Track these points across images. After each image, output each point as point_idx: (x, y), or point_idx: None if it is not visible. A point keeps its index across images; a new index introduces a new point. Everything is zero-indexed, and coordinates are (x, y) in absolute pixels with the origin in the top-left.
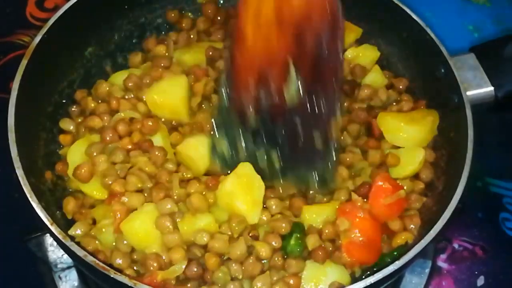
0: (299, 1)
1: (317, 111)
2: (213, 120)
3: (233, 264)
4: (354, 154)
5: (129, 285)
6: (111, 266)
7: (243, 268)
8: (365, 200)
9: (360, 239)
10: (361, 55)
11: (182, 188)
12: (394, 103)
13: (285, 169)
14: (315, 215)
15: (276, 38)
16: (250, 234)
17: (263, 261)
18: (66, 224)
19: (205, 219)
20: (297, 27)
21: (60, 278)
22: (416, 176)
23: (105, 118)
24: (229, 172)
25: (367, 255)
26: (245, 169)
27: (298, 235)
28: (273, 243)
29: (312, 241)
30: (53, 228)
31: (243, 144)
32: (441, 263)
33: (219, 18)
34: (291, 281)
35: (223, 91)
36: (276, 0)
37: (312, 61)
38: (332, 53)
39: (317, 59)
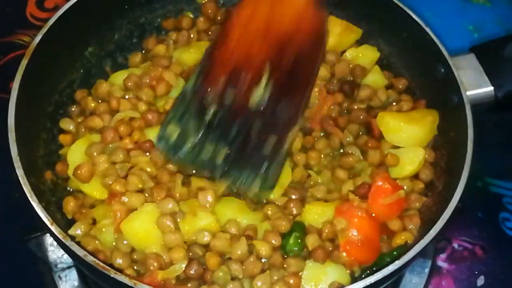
0: (290, 21)
1: (277, 119)
2: (172, 106)
3: (234, 264)
4: (353, 155)
5: (129, 285)
6: (111, 266)
7: (243, 267)
8: (364, 200)
9: (358, 238)
10: (361, 56)
11: (184, 187)
12: (394, 103)
13: (230, 166)
14: (315, 215)
15: (258, 46)
16: (245, 234)
17: (263, 261)
18: (66, 224)
19: (206, 219)
20: (281, 42)
21: (60, 278)
22: (416, 176)
23: (105, 118)
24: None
25: (365, 254)
26: None
27: (298, 234)
28: (273, 241)
29: (311, 241)
30: (53, 228)
31: (195, 135)
32: (441, 262)
33: (219, 17)
34: (291, 281)
35: (195, 78)
36: (269, 13)
37: (285, 75)
38: (307, 73)
39: (290, 75)
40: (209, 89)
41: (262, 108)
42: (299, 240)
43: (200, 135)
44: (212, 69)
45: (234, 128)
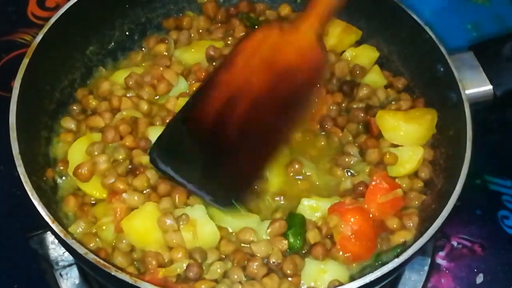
0: (294, 58)
1: (257, 146)
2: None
3: (235, 264)
4: (351, 155)
5: (130, 282)
6: (112, 263)
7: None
8: (362, 198)
9: (352, 233)
10: (361, 55)
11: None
12: (393, 102)
13: (205, 176)
14: (313, 211)
15: (260, 75)
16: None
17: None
18: (67, 221)
19: (208, 227)
20: (282, 76)
21: (61, 275)
22: (415, 174)
23: (107, 116)
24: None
25: (360, 249)
26: None
27: (295, 231)
28: (280, 246)
29: (312, 235)
30: (54, 226)
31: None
32: (440, 260)
33: (219, 17)
34: (291, 279)
35: (196, 95)
36: (276, 46)
37: (280, 107)
38: (300, 107)
39: (285, 107)
40: (205, 111)
41: (251, 131)
42: (299, 236)
43: (191, 155)
44: (212, 89)
45: (224, 151)
